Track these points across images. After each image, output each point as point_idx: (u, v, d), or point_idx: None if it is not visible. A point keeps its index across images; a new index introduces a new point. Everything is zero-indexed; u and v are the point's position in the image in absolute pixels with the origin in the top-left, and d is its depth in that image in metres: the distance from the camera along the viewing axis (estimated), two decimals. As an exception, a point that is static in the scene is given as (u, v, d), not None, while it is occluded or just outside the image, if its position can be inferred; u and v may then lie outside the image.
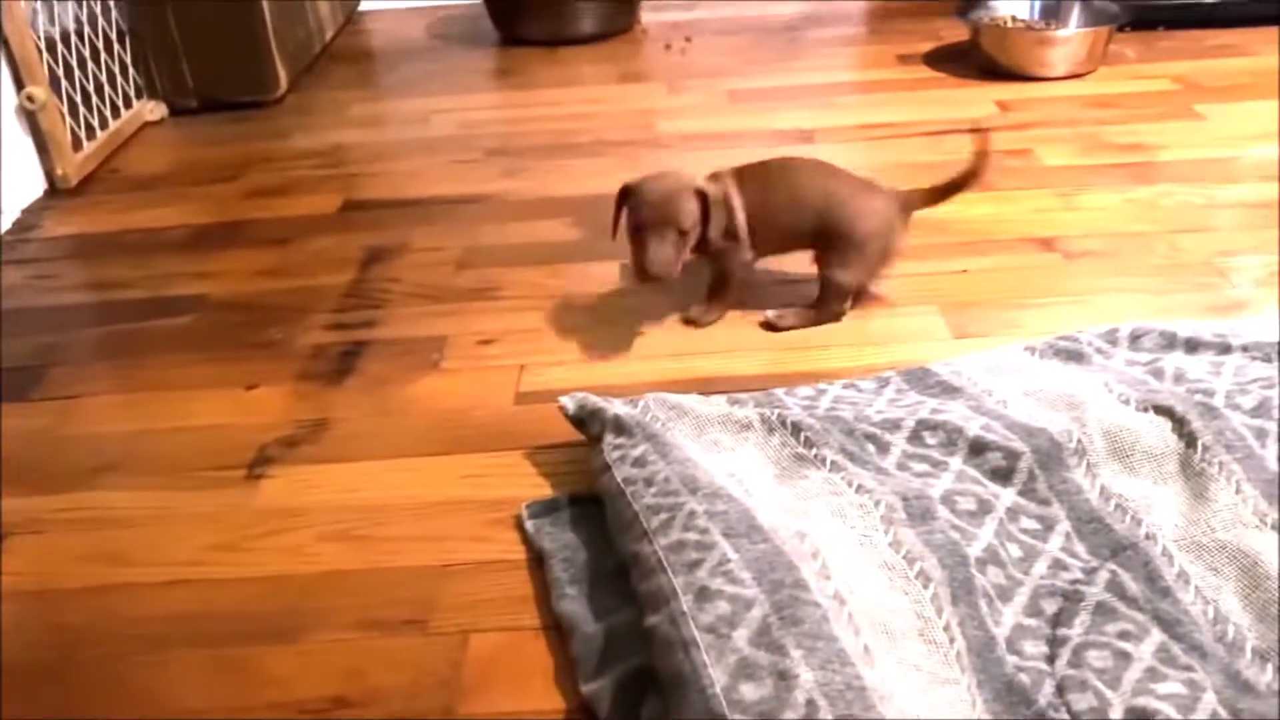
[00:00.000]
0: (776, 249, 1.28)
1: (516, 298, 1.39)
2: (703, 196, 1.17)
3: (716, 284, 1.28)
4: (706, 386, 1.16)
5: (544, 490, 1.03)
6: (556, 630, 0.86)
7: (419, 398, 1.20)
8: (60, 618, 0.93)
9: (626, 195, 1.19)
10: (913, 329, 1.24)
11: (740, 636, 0.69)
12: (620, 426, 0.97)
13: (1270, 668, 0.74)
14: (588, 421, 1.01)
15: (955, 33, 2.17)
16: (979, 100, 1.90)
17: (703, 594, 0.73)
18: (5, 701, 0.84)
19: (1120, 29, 2.03)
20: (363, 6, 2.75)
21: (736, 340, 1.25)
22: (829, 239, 1.22)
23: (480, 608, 0.90)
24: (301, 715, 0.81)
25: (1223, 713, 0.71)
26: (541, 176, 1.74)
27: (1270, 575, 0.80)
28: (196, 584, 0.96)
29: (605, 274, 1.42)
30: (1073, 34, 1.97)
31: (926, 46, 2.19)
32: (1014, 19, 2.09)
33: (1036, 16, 2.10)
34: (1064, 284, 1.32)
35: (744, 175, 1.25)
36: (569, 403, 1.04)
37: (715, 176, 1.24)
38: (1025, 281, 1.33)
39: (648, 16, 2.54)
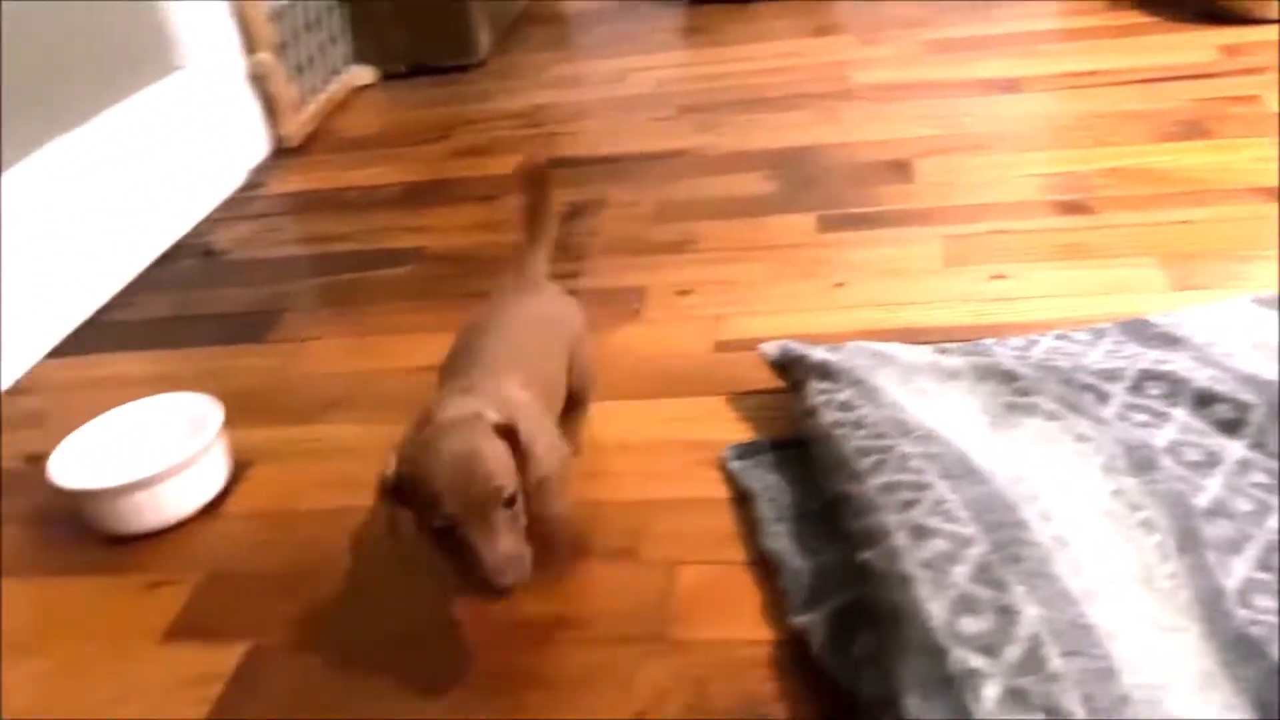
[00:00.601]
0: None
1: (713, 249, 1.41)
2: (508, 432, 0.78)
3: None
4: (911, 337, 1.14)
5: (745, 434, 1.04)
6: (762, 566, 0.88)
7: (621, 345, 1.23)
8: (299, 536, 1.01)
9: (395, 486, 0.77)
10: (1130, 280, 1.19)
11: (959, 573, 0.69)
12: (825, 372, 0.97)
13: None
14: (790, 367, 1.02)
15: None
16: (1200, 45, 1.79)
17: (919, 531, 0.73)
18: (244, 608, 0.92)
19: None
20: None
21: (940, 290, 1.23)
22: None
23: (688, 541, 0.92)
24: (527, 631, 0.85)
25: None
26: (735, 131, 1.75)
27: None
28: (422, 510, 1.02)
29: (801, 225, 1.42)
30: (1308, -30, 1.83)
31: (1139, -12, 2.08)
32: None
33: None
34: (1295, 235, 1.24)
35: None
36: (771, 349, 1.06)
37: (472, 392, 0.84)
38: (1249, 232, 1.25)
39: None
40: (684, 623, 0.84)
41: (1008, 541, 0.71)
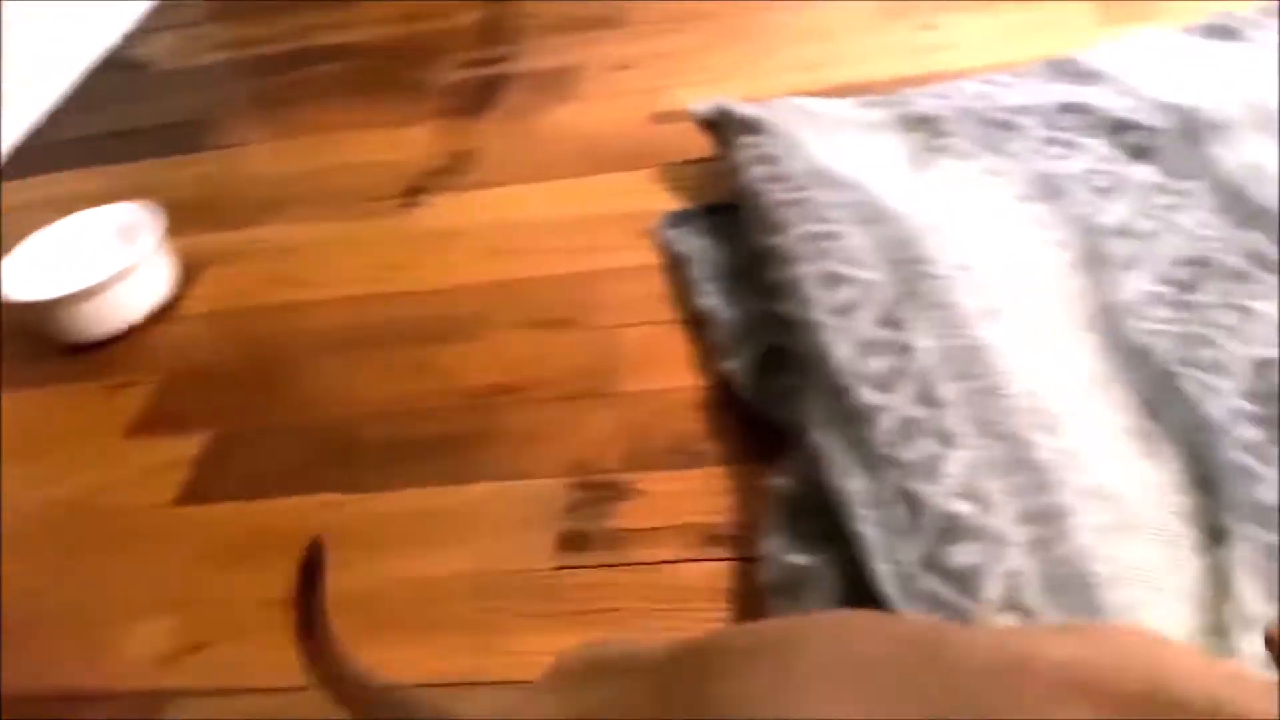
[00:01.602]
0: None
1: (648, 22, 1.38)
2: None
3: None
4: (841, 92, 1.15)
5: (681, 202, 1.06)
6: (695, 323, 0.92)
7: (559, 124, 1.24)
8: (253, 332, 1.04)
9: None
10: (1060, 20, 1.18)
11: (864, 316, 0.73)
12: (751, 126, 0.99)
13: None
14: (719, 125, 1.03)
15: None
16: None
17: (830, 279, 0.77)
18: (204, 400, 0.96)
19: None
20: None
21: (873, 45, 1.23)
22: None
23: (626, 307, 0.96)
24: (472, 399, 0.90)
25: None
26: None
27: None
28: (367, 299, 1.05)
29: (736, -7, 1.40)
30: None
31: None
32: None
33: None
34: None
35: None
36: (701, 107, 1.07)
37: None
38: (1181, -37, 1.24)
39: None
40: (627, 377, 0.89)
41: (910, 277, 0.74)
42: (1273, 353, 0.72)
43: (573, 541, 0.77)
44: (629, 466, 0.81)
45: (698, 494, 0.77)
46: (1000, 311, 0.74)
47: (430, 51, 1.43)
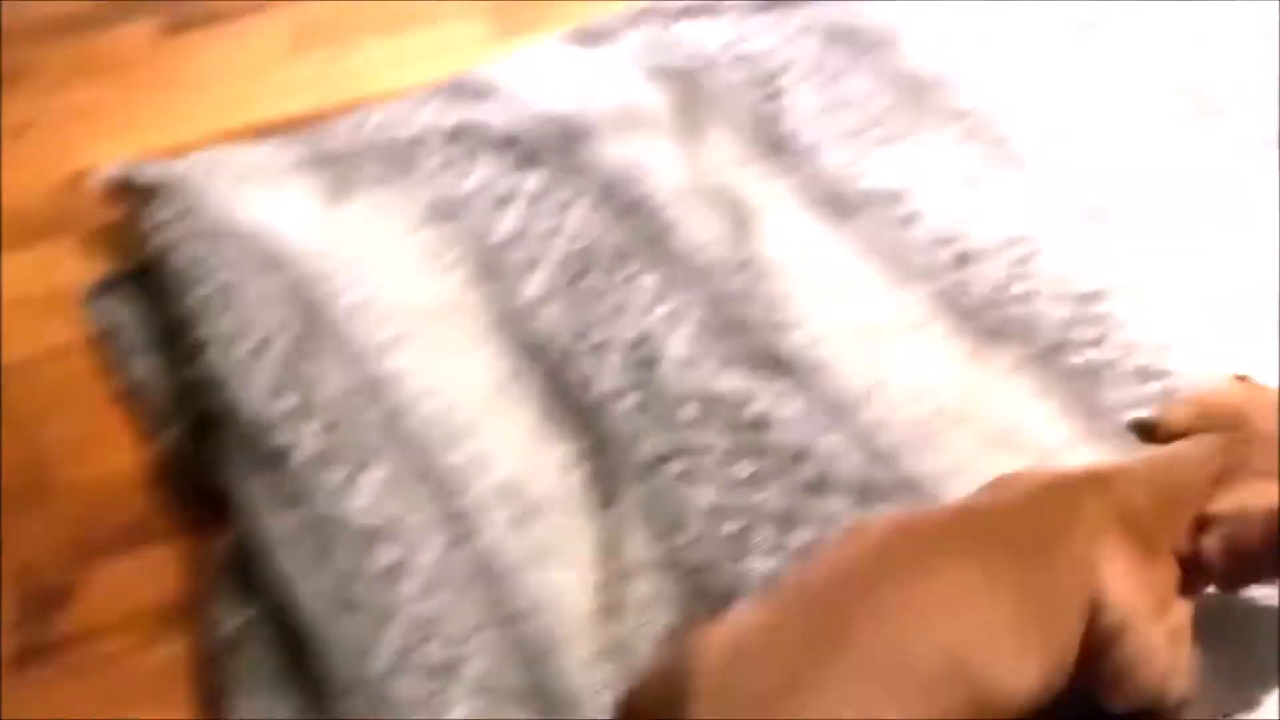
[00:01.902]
0: None
1: (49, 75, 1.30)
2: None
3: None
4: (265, 133, 1.16)
5: (107, 270, 1.02)
6: (131, 398, 0.89)
7: (-40, 200, 1.13)
8: None
9: None
10: (457, 38, 1.27)
11: (271, 358, 0.76)
12: (160, 189, 0.98)
13: (741, 276, 0.89)
14: (131, 189, 1.01)
15: None
16: None
17: (234, 334, 0.79)
18: None
19: None
20: None
21: (286, 80, 1.24)
22: None
23: (57, 391, 0.92)
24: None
25: (704, 318, 0.85)
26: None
27: (741, 202, 0.95)
28: None
29: (140, 34, 1.34)
30: None
31: None
32: None
33: None
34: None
35: None
36: (109, 173, 1.04)
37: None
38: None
39: None
40: (60, 469, 0.85)
41: (312, 319, 0.79)
42: (646, 326, 0.84)
43: (25, 656, 0.74)
44: (76, 563, 0.78)
45: (150, 577, 0.76)
46: (404, 337, 0.80)
47: None
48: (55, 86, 1.28)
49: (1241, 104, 0.97)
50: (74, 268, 1.03)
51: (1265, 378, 0.66)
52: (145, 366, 0.89)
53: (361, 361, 0.77)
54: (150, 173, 0.99)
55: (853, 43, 1.08)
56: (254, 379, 0.75)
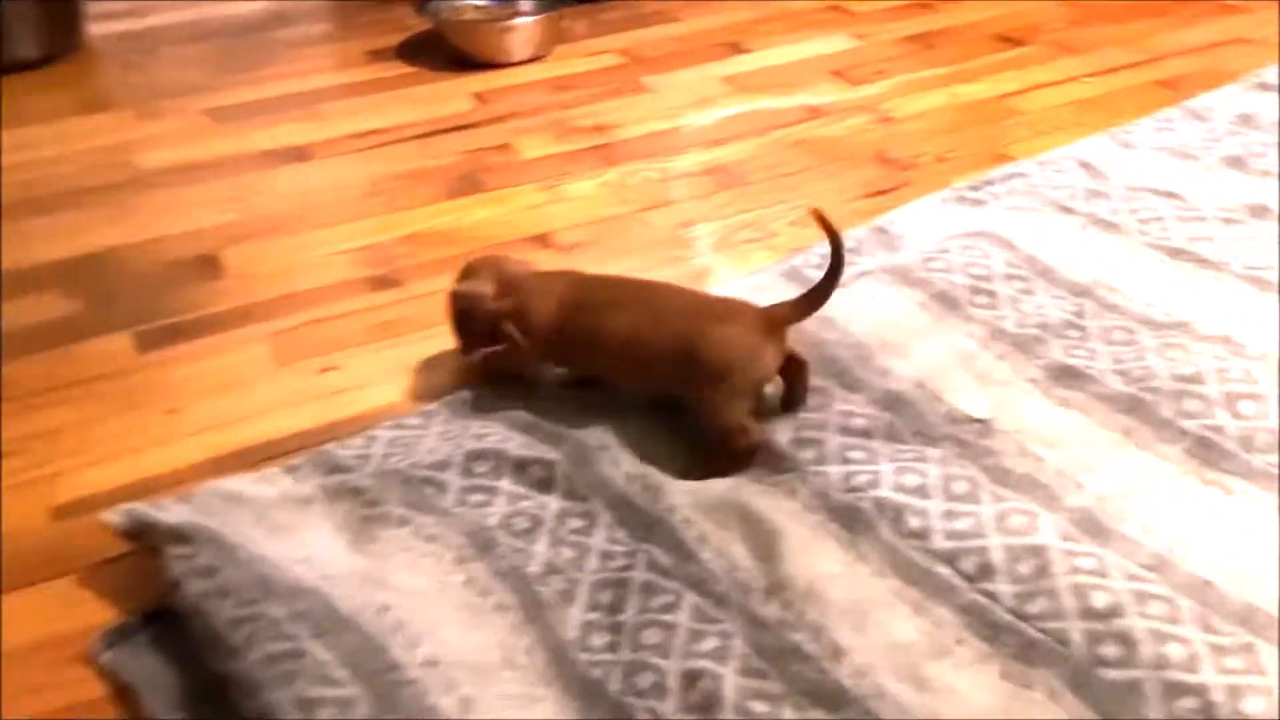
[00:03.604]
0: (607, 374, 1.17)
1: (24, 395, 1.29)
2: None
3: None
4: (260, 454, 1.17)
5: (110, 614, 0.99)
6: (166, 758, 0.86)
7: (-64, 539, 1.09)
8: None
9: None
10: (445, 349, 1.32)
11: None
12: (179, 536, 0.96)
13: (774, 601, 0.93)
14: (143, 535, 0.99)
15: (420, 21, 2.23)
16: (456, 95, 2.00)
17: (306, 705, 0.78)
18: None
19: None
20: None
21: (276, 395, 1.26)
22: (691, 376, 1.07)
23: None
24: None
25: (749, 650, 0.89)
26: (14, 243, 1.59)
27: (763, 519, 1.00)
28: None
29: (118, 348, 1.35)
30: (529, 20, 2.12)
31: (396, 39, 2.24)
32: (474, 6, 2.21)
33: (492, 1, 2.23)
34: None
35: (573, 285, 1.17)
36: (117, 518, 1.01)
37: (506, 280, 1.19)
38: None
39: (97, 29, 2.34)
40: None
41: (386, 688, 0.78)
42: (696, 663, 0.87)
43: None
44: None
45: None
46: (474, 700, 0.80)
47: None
48: (33, 407, 1.26)
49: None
50: (77, 612, 1.00)
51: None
52: (179, 730, 0.86)
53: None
54: (167, 519, 0.98)
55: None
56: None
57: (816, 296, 1.09)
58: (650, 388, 1.14)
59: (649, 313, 1.10)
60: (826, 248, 1.08)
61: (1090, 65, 2.01)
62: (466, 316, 1.19)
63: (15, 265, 1.54)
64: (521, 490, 1.04)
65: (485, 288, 1.18)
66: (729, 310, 1.09)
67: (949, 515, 1.00)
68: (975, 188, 1.56)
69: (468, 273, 1.22)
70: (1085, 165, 1.58)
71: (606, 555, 0.99)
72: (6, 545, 1.07)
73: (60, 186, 1.74)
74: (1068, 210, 1.46)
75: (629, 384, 1.16)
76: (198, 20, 2.40)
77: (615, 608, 0.93)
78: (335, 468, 1.09)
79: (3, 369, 1.32)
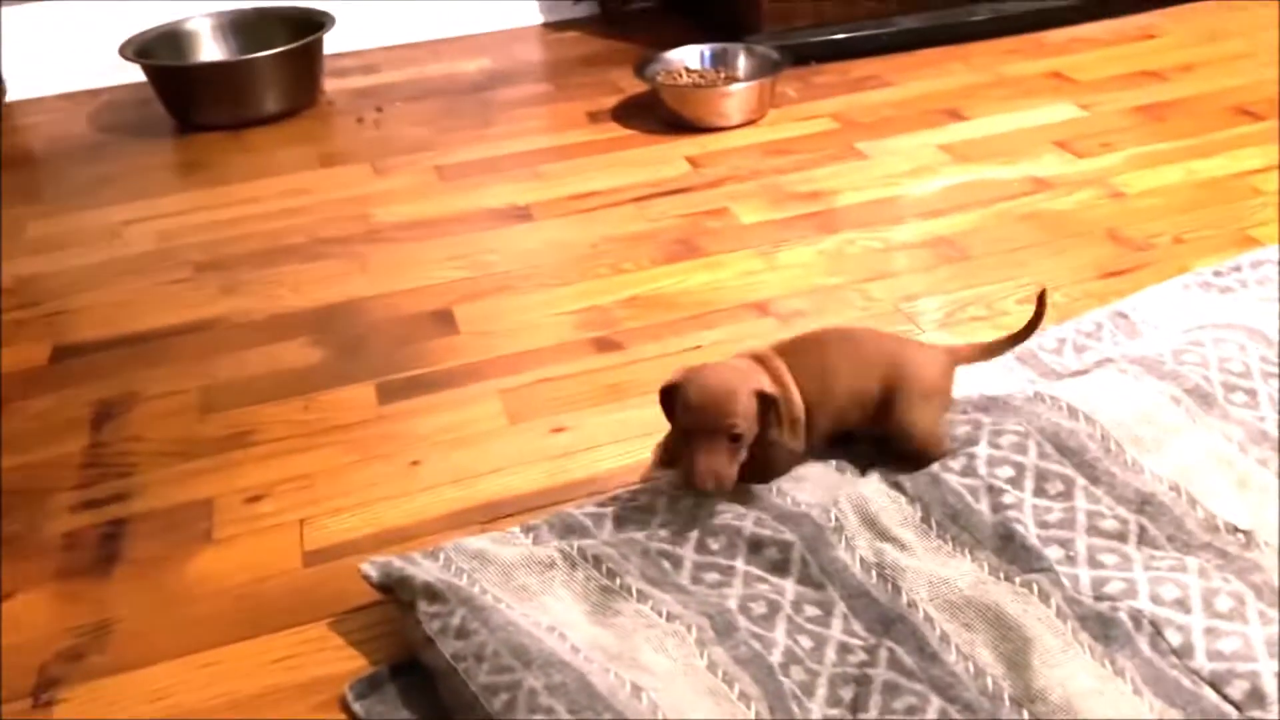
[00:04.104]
0: (833, 429, 1.18)
1: (275, 440, 1.37)
2: (763, 399, 1.07)
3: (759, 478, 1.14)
4: (494, 510, 1.21)
5: (359, 661, 1.04)
6: (416, 813, 0.89)
7: (200, 577, 1.16)
8: None
9: (670, 394, 1.10)
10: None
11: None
12: (432, 593, 1.00)
13: (1025, 712, 0.90)
14: (396, 589, 1.03)
15: (635, 85, 2.29)
16: (672, 158, 2.03)
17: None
18: None
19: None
20: (9, 98, 2.52)
21: (510, 453, 1.30)
22: (894, 397, 1.15)
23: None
24: None
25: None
26: (265, 289, 1.71)
27: (1012, 624, 0.96)
28: None
29: (362, 398, 1.43)
30: (744, 86, 2.15)
31: (612, 101, 2.31)
32: (686, 70, 2.25)
33: (707, 64, 2.27)
34: (786, 349, 1.47)
35: (793, 351, 1.16)
36: (371, 570, 1.06)
37: (760, 358, 1.13)
38: (753, 351, 1.46)
39: (331, 85, 2.50)
40: None
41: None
42: (939, 767, 0.84)
43: None
44: None
45: None
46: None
47: (27, 494, 1.30)
48: (281, 451, 1.34)
49: None
50: (326, 658, 1.05)
51: None
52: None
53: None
54: (420, 576, 1.02)
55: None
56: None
57: (1003, 344, 1.23)
58: (857, 426, 1.18)
59: (853, 354, 1.17)
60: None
61: (1342, 141, 1.89)
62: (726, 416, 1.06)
63: (270, 310, 1.64)
64: (756, 571, 1.04)
65: (755, 373, 1.11)
66: (917, 342, 1.27)
67: (1212, 633, 0.95)
68: (1222, 274, 1.48)
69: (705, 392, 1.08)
70: (1343, 253, 1.48)
71: (845, 648, 0.97)
72: (267, 591, 1.14)
73: (306, 236, 1.85)
74: (1327, 302, 1.37)
75: (839, 429, 1.18)
76: (423, 78, 2.53)
77: (857, 706, 0.92)
78: (572, 529, 1.11)
79: (253, 414, 1.41)
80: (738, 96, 2.13)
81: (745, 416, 1.06)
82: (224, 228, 1.91)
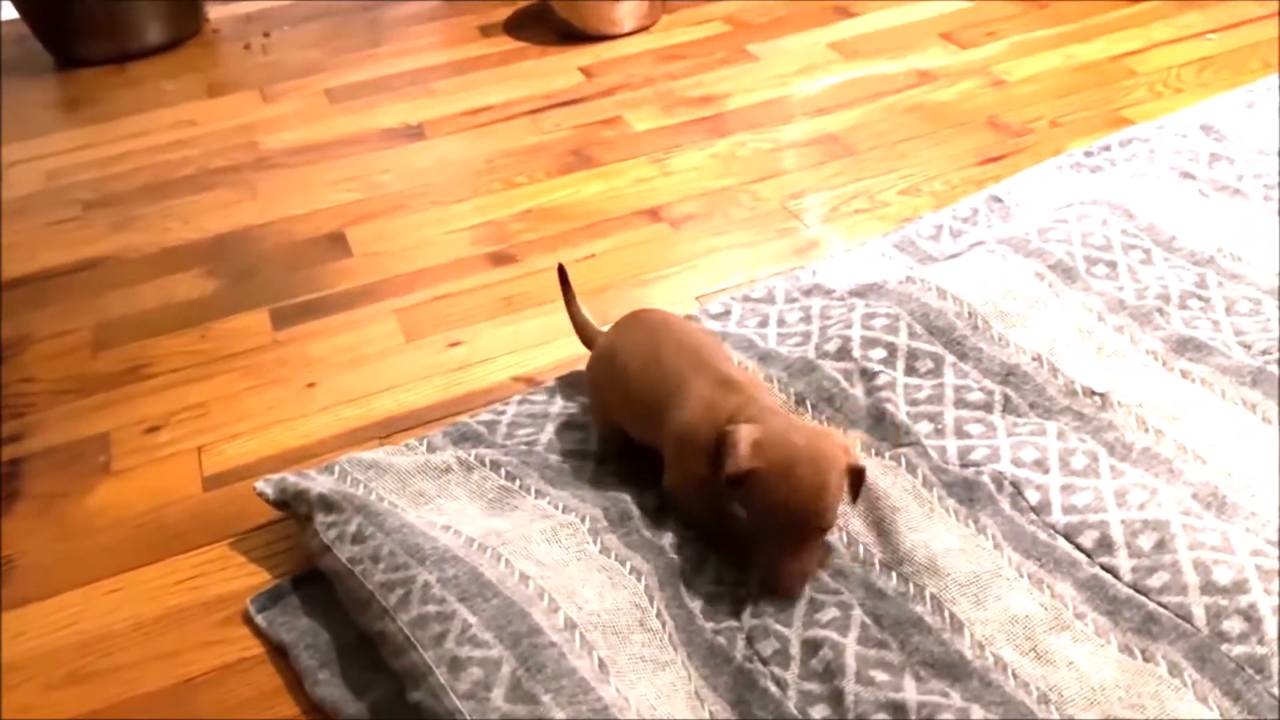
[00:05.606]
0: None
1: (171, 371, 1.37)
2: (855, 472, 0.93)
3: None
4: (391, 426, 1.23)
5: (261, 577, 1.06)
6: (319, 713, 0.93)
7: (101, 508, 1.18)
8: None
9: (743, 478, 0.90)
10: (566, 325, 1.36)
11: (497, 696, 0.80)
12: (327, 503, 1.02)
13: (894, 574, 0.95)
14: (292, 504, 1.06)
15: (525, -4, 2.26)
16: (566, 69, 2.03)
17: (455, 664, 0.83)
18: None
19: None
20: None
21: (407, 370, 1.32)
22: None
23: (236, 711, 0.94)
24: None
25: (869, 621, 0.91)
26: (155, 223, 1.69)
27: (880, 495, 1.01)
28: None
29: (255, 325, 1.43)
30: (634, -9, 2.13)
31: (504, 13, 2.28)
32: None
33: (598, -28, 2.24)
34: (676, 251, 1.49)
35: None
36: (267, 488, 1.08)
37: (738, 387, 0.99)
38: (644, 256, 1.49)
39: (216, 12, 2.44)
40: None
41: (529, 652, 0.83)
42: (817, 632, 0.89)
43: None
44: None
45: None
46: (610, 664, 0.84)
47: (-79, 442, 1.30)
48: (176, 383, 1.34)
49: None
50: (228, 576, 1.07)
51: None
52: (332, 685, 0.92)
53: (584, 694, 0.80)
54: (315, 488, 1.04)
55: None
56: (484, 716, 0.79)
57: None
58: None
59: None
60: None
61: (1215, 19, 1.94)
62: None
63: (160, 244, 1.63)
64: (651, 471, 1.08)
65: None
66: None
67: (1068, 490, 1.01)
68: (1092, 154, 1.53)
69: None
70: (1207, 128, 1.54)
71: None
72: (167, 517, 1.15)
73: (195, 168, 1.83)
74: (1189, 176, 1.43)
75: None
76: (311, 1, 2.47)
77: (739, 580, 0.96)
78: (468, 438, 1.14)
79: (148, 347, 1.41)
80: (629, 3, 2.11)
81: (837, 505, 0.91)
82: (111, 164, 1.88)
